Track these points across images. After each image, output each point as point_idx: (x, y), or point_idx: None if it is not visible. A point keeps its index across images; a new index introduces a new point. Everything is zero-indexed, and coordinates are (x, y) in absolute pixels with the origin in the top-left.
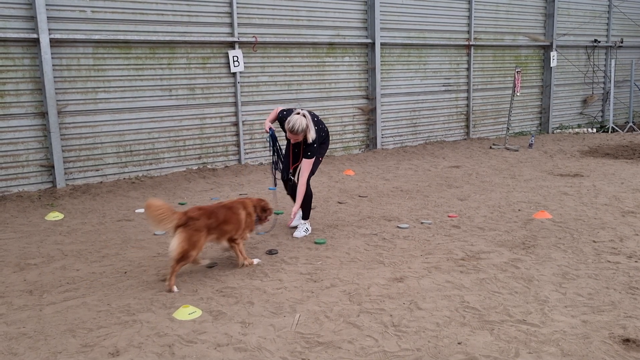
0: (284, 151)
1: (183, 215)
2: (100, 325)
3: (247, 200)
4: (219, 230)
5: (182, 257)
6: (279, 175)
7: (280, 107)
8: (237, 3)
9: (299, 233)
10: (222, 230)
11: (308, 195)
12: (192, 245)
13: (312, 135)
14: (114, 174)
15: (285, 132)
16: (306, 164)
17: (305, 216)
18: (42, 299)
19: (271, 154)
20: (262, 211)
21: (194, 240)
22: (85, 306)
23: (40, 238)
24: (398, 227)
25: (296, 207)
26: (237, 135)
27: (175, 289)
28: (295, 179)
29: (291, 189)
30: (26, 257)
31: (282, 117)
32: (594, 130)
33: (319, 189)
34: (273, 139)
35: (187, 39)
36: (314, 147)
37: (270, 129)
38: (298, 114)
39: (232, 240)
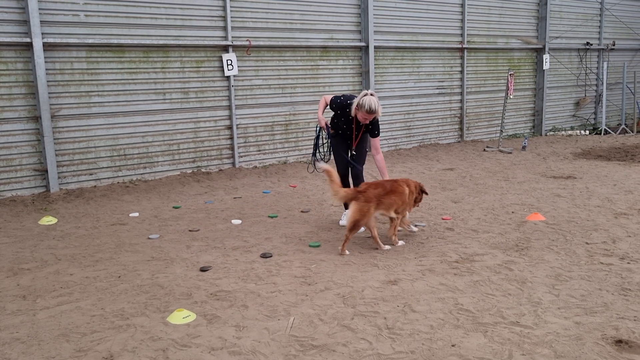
0: (327, 146)
1: (353, 192)
2: (94, 329)
3: (409, 180)
4: (388, 201)
5: (354, 227)
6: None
7: (329, 96)
8: (230, 7)
9: None
10: (390, 201)
11: None
12: (362, 215)
13: (379, 113)
14: (108, 178)
15: (343, 116)
16: (377, 142)
17: None
18: (35, 304)
19: (326, 144)
20: (420, 193)
21: (364, 210)
22: (79, 311)
23: (34, 242)
24: None
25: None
26: (231, 138)
27: (346, 252)
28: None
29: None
30: (19, 262)
31: (341, 103)
32: (587, 132)
33: (314, 192)
34: (329, 131)
35: (180, 42)
36: (378, 123)
37: (327, 124)
38: (365, 95)
39: (396, 212)
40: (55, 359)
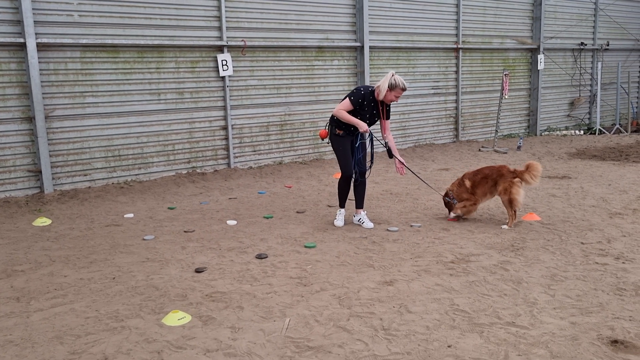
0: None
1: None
2: (89, 331)
3: None
4: None
5: None
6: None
7: (344, 103)
8: (225, 7)
9: (368, 224)
10: None
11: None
12: None
13: None
14: (103, 179)
15: (367, 106)
16: (389, 124)
17: (363, 206)
18: (29, 306)
19: (370, 149)
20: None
21: None
22: (73, 313)
23: (28, 244)
24: (388, 230)
25: (398, 155)
26: (227, 139)
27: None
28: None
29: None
30: (13, 264)
31: (365, 92)
32: (582, 132)
33: (309, 192)
34: (371, 136)
35: (175, 42)
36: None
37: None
38: (392, 75)
39: None
40: None
